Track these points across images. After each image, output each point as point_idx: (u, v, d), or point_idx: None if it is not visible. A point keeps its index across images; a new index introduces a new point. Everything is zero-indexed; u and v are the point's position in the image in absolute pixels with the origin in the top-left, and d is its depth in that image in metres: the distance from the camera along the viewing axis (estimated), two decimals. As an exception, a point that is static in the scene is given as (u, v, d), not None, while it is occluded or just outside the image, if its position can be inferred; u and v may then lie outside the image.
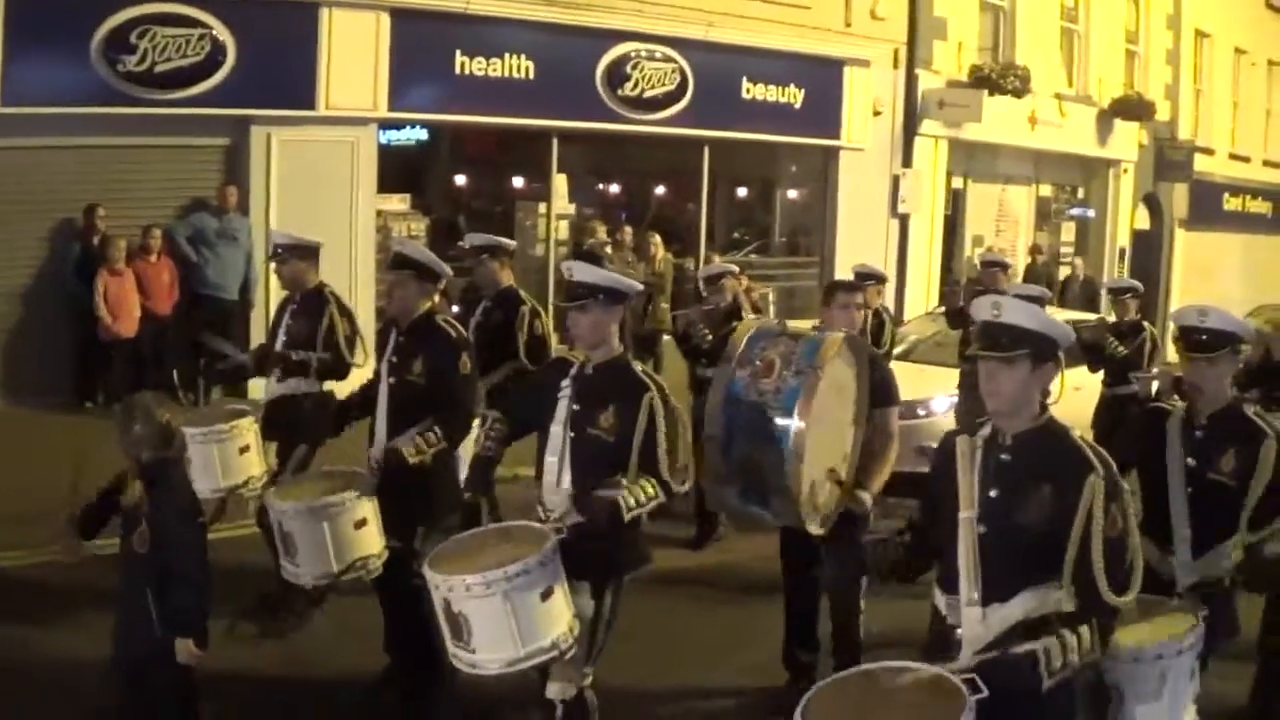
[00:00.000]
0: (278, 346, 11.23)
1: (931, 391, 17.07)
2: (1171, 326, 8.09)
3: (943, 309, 21.20)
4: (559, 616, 7.09)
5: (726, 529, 14.17)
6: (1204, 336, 7.44)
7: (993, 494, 5.89)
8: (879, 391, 9.59)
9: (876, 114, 27.90)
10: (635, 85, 23.87)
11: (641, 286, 8.90)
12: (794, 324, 9.34)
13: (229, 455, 10.19)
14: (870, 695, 5.62)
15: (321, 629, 10.53)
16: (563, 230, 24.15)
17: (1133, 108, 34.71)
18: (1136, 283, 17.59)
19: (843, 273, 21.22)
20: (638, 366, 7.71)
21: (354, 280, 19.38)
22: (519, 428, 8.11)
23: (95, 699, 8.65)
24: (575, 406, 7.56)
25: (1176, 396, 7.92)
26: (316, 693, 9.60)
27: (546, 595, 7.00)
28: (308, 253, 11.20)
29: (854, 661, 9.37)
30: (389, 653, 9.70)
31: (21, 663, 9.80)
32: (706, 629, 11.41)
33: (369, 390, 9.74)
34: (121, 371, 18.10)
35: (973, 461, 5.96)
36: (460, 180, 25.27)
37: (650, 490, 7.35)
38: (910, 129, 28.73)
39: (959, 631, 5.89)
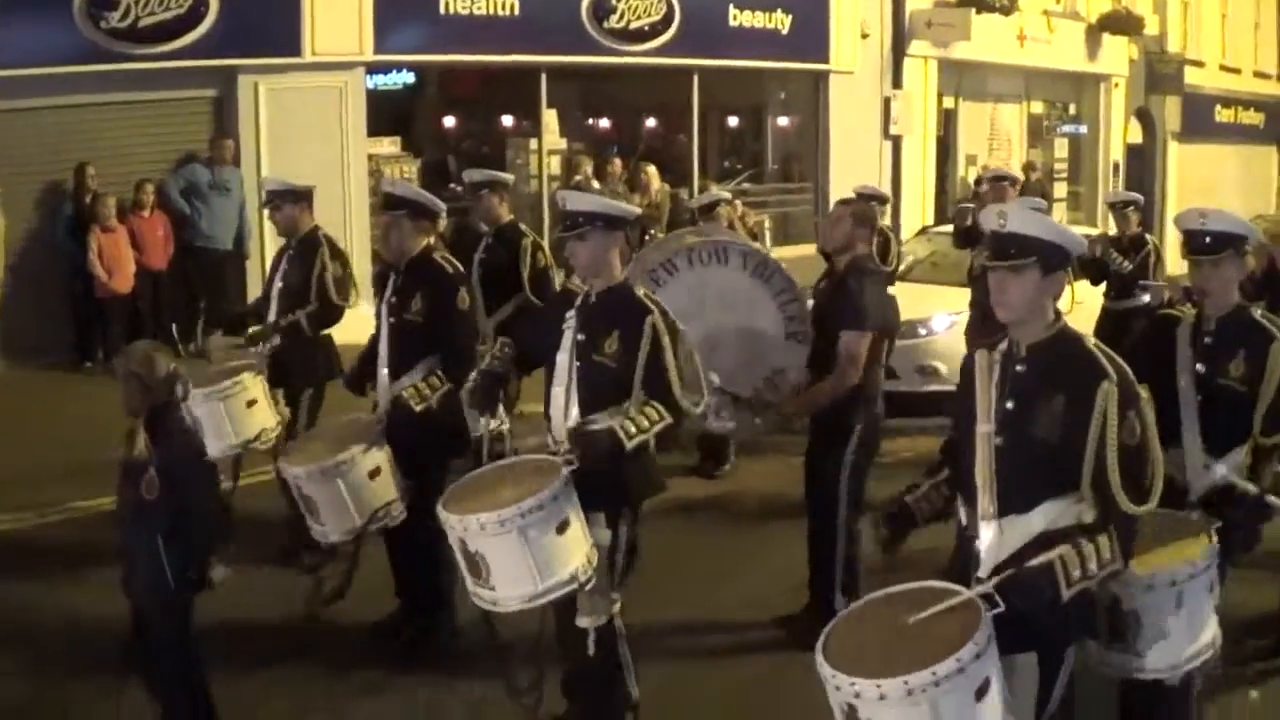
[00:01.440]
0: (273, 299, 11.19)
1: (930, 311, 17.06)
2: (1171, 235, 8.05)
3: (943, 228, 21.19)
4: (576, 548, 7.09)
5: (735, 462, 14.21)
6: (1207, 239, 7.37)
7: (1009, 406, 5.84)
8: (841, 314, 9.61)
9: (864, 36, 27.84)
10: (621, 17, 23.76)
11: (639, 210, 8.86)
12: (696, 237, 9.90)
13: (237, 411, 10.21)
14: (889, 619, 5.56)
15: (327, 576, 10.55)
16: (554, 166, 24.08)
17: (1121, 22, 34.63)
18: (1137, 195, 17.48)
19: (837, 196, 21.15)
20: (640, 291, 7.65)
21: (348, 225, 19.34)
22: (526, 359, 8.08)
23: (99, 655, 8.65)
24: (580, 336, 7.52)
25: (1189, 306, 7.86)
26: (323, 639, 9.60)
27: (563, 528, 6.99)
28: (300, 197, 11.16)
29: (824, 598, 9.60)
30: (400, 596, 9.72)
31: (26, 622, 9.80)
32: (715, 557, 11.42)
33: (376, 340, 9.71)
34: (120, 328, 18.04)
35: (990, 375, 5.92)
36: (450, 120, 25.21)
37: (655, 414, 7.30)
38: (899, 50, 28.70)
39: (978, 543, 5.87)
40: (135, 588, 7.61)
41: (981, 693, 5.23)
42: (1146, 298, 15.64)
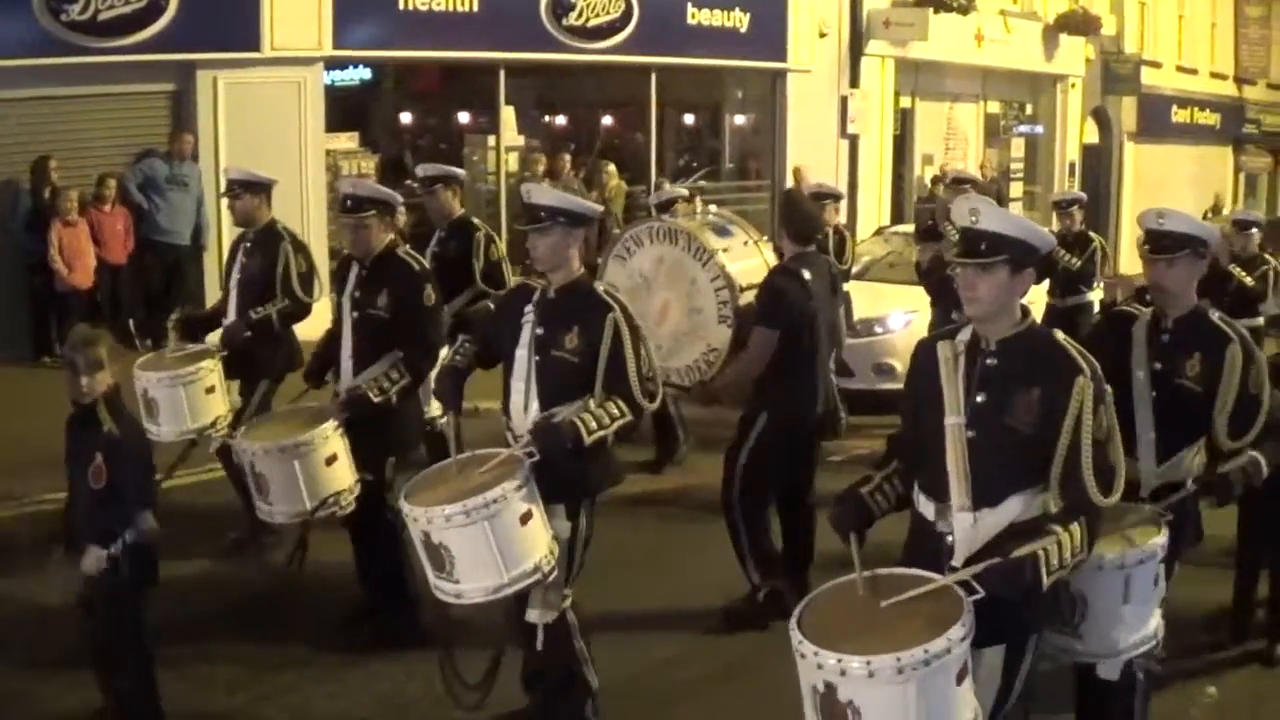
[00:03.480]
0: (232, 291, 11.19)
1: (886, 309, 17.24)
2: (1125, 234, 8.14)
3: (900, 228, 21.35)
4: (539, 540, 7.15)
5: (686, 451, 14.34)
6: (1164, 239, 7.46)
7: (980, 399, 5.88)
8: (757, 308, 10.05)
9: (822, 35, 27.91)
10: (580, 14, 23.76)
11: (601, 209, 9.04)
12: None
13: (196, 397, 10.22)
14: (864, 602, 5.62)
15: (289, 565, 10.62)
16: (512, 163, 24.10)
17: (1078, 22, 34.75)
18: (1081, 194, 17.68)
19: (795, 195, 21.22)
20: (600, 287, 7.73)
21: (305, 220, 19.25)
22: (486, 355, 8.09)
23: (63, 648, 8.70)
24: (539, 330, 7.56)
25: (1138, 305, 7.94)
26: (279, 631, 9.64)
27: (525, 519, 7.05)
28: (260, 189, 11.13)
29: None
30: (363, 586, 9.77)
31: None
32: (671, 550, 11.49)
33: (335, 332, 9.71)
34: (78, 323, 17.94)
35: (956, 367, 5.94)
36: (407, 116, 25.24)
37: (616, 411, 7.39)
38: (857, 49, 28.76)
39: (949, 538, 5.91)
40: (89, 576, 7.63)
41: (961, 676, 5.30)
42: (1092, 295, 15.82)
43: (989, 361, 5.93)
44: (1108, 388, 5.83)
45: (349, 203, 9.47)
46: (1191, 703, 8.80)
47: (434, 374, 9.15)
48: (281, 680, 8.96)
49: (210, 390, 10.30)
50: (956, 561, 5.81)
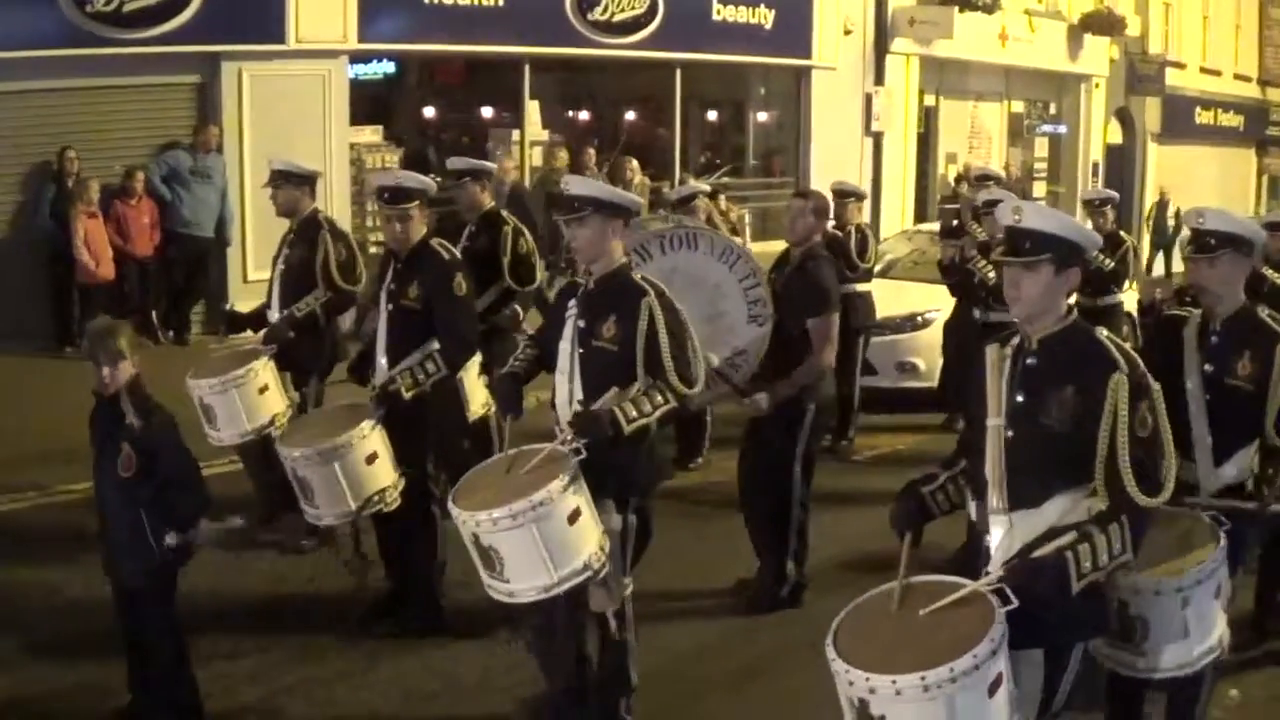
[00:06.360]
0: (275, 281, 11.19)
1: (910, 308, 17.18)
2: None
3: (924, 227, 21.31)
4: (588, 537, 7.11)
5: (707, 455, 14.35)
6: (1206, 238, 7.42)
7: (1019, 398, 5.83)
8: (804, 301, 10.05)
9: (847, 33, 27.89)
10: (605, 9, 23.75)
11: (640, 200, 9.04)
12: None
13: (249, 398, 10.13)
14: (899, 613, 5.57)
15: (313, 557, 10.60)
16: (536, 157, 24.06)
17: (1103, 22, 34.70)
18: (1113, 193, 17.52)
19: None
20: (637, 275, 7.74)
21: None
22: (547, 359, 8.04)
23: (84, 637, 8.71)
24: (581, 323, 7.59)
25: (1181, 307, 7.91)
26: (298, 624, 9.67)
27: (574, 518, 7.02)
28: (303, 180, 11.14)
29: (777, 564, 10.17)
30: (391, 576, 9.82)
31: (10, 606, 9.82)
32: (695, 545, 11.44)
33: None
34: (100, 314, 17.89)
35: (1001, 370, 5.90)
36: (432, 110, 25.23)
37: (660, 399, 7.37)
38: (881, 47, 28.78)
39: (988, 538, 5.88)
40: (120, 565, 7.63)
41: (994, 688, 5.23)
42: (1122, 296, 15.76)
43: (1029, 361, 5.88)
44: (1155, 385, 5.75)
45: (391, 195, 9.51)
46: (1213, 704, 8.75)
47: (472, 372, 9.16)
48: (303, 673, 8.95)
49: (264, 389, 10.20)
50: (992, 567, 5.72)
